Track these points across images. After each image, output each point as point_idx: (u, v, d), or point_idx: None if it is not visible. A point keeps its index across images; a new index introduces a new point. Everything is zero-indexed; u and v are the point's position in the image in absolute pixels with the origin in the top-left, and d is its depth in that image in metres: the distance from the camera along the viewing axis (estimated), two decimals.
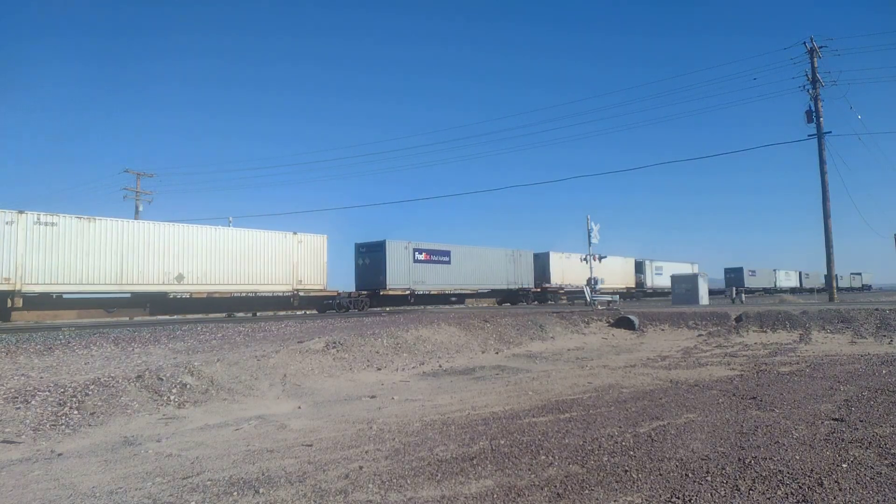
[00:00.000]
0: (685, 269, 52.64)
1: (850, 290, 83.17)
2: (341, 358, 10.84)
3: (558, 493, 4.00)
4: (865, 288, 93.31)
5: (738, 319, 17.06)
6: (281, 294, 25.50)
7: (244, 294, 24.61)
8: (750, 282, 60.46)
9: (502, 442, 5.35)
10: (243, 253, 24.10)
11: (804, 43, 26.02)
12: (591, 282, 25.83)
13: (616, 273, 45.01)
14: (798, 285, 74.78)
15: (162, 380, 8.05)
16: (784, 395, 7.22)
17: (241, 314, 25.17)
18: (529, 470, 4.51)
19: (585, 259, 27.77)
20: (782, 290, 65.04)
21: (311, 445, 5.49)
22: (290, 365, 9.85)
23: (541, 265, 40.00)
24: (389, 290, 29.06)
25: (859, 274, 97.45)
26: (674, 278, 29.64)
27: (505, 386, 8.94)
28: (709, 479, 4.17)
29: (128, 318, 21.65)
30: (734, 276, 61.95)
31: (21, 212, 18.58)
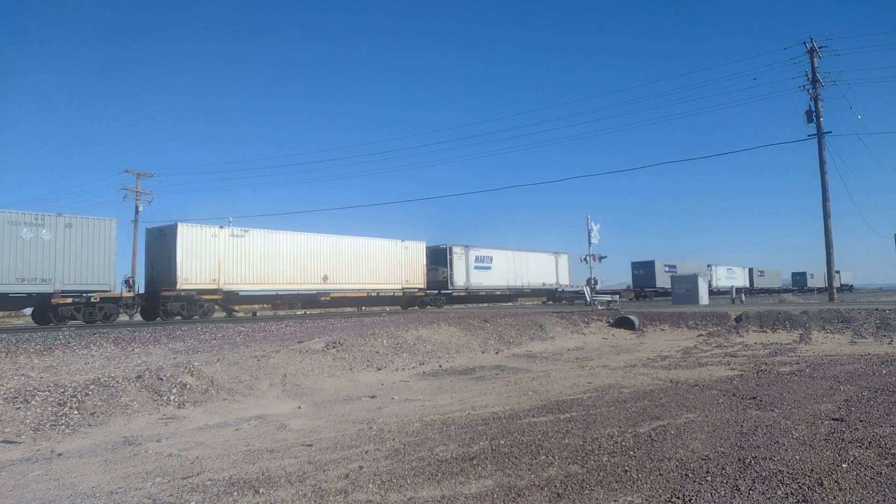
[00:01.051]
0: (540, 260, 38.01)
1: (825, 290, 72.03)
2: (341, 358, 10.84)
3: (558, 493, 3.99)
4: (845, 288, 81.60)
5: (738, 319, 17.06)
6: None
7: None
8: (667, 280, 43.72)
9: (502, 442, 5.34)
10: None
11: (804, 43, 26.03)
12: (591, 282, 25.85)
13: (385, 263, 28.38)
14: (747, 285, 60.91)
15: (162, 380, 8.05)
16: (784, 395, 7.21)
17: None
18: (529, 470, 4.51)
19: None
20: (721, 292, 51.40)
21: (311, 445, 5.49)
22: (290, 365, 9.85)
23: (165, 250, 21.10)
24: None
25: (838, 272, 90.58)
26: (674, 278, 29.64)
27: (505, 386, 8.93)
28: (709, 479, 4.17)
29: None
30: (643, 273, 48.43)
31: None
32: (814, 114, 25.52)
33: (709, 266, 54.11)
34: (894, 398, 6.86)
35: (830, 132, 25.50)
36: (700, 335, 15.89)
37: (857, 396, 7.03)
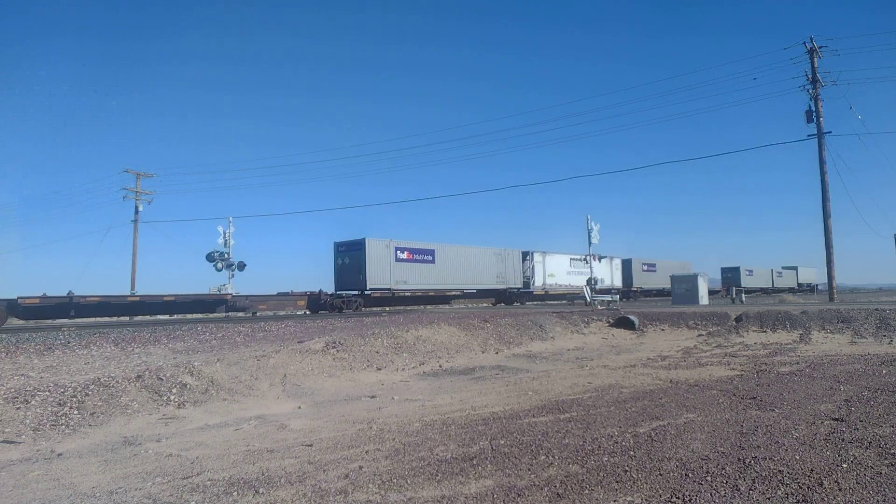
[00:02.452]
0: None
1: (770, 291, 56.76)
2: (341, 358, 10.84)
3: (558, 493, 3.99)
4: (806, 287, 68.04)
5: (738, 319, 17.06)
6: None
7: None
8: (400, 277, 27.77)
9: (502, 442, 5.34)
10: None
11: (804, 43, 26.02)
12: (591, 282, 25.87)
13: None
14: (618, 284, 40.43)
15: (162, 380, 8.04)
16: (784, 395, 7.21)
17: None
18: (529, 470, 4.51)
19: None
20: (555, 296, 36.12)
21: (311, 445, 5.49)
22: (290, 365, 9.85)
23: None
24: None
25: (793, 269, 67.72)
26: (674, 278, 29.63)
27: (505, 386, 8.93)
28: (709, 479, 4.17)
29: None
30: (348, 264, 27.67)
31: None
32: (814, 114, 25.52)
33: (527, 256, 31.62)
34: (894, 398, 6.86)
35: (830, 132, 25.52)
36: (700, 335, 15.89)
37: (857, 396, 7.03)
